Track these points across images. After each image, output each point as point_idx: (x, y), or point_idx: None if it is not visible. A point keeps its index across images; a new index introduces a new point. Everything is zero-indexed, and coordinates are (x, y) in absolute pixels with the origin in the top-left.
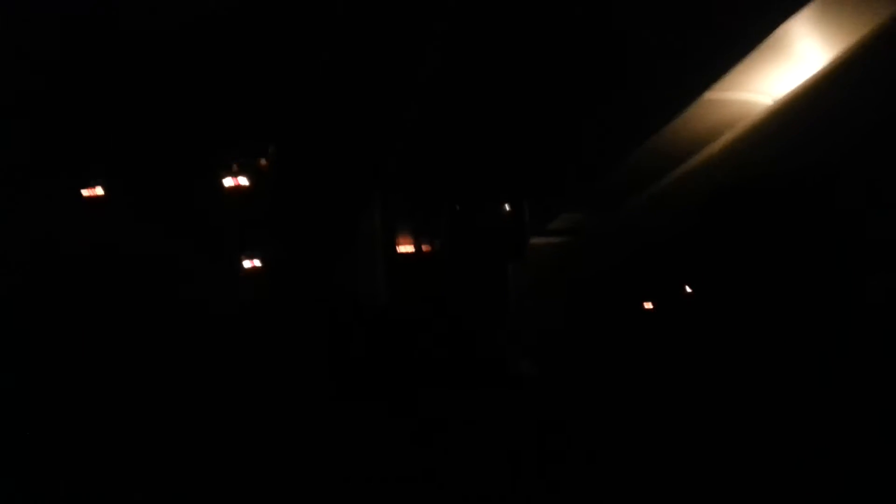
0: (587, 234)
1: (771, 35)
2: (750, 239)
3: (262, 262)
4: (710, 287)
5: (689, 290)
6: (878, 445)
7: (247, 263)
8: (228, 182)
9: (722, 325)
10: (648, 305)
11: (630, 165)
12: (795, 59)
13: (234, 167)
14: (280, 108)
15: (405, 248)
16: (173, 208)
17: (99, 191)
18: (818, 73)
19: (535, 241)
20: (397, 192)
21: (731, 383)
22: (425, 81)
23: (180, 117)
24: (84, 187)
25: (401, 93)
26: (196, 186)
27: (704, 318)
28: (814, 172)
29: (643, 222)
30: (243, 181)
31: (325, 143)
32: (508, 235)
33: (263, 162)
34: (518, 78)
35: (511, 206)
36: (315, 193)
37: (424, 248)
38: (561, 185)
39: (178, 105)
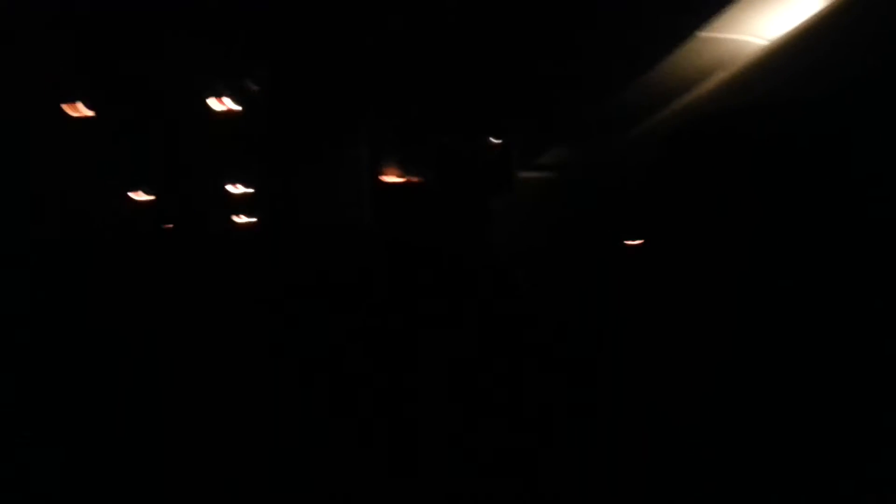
0: (575, 170)
1: None
2: (735, 180)
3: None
4: (690, 227)
5: (669, 229)
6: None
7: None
8: (215, 105)
9: (700, 265)
10: (631, 243)
11: (620, 102)
12: (788, 3)
13: (222, 90)
14: (270, 25)
15: (392, 178)
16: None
17: (82, 108)
18: (813, 16)
19: (524, 175)
20: (385, 122)
21: (709, 325)
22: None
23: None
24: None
25: (393, 21)
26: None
27: (682, 258)
28: (803, 115)
29: (631, 159)
30: (231, 105)
31: (315, 67)
32: (495, 169)
33: (254, 87)
34: (513, 9)
35: (498, 140)
36: (304, 121)
37: (411, 179)
38: (550, 119)
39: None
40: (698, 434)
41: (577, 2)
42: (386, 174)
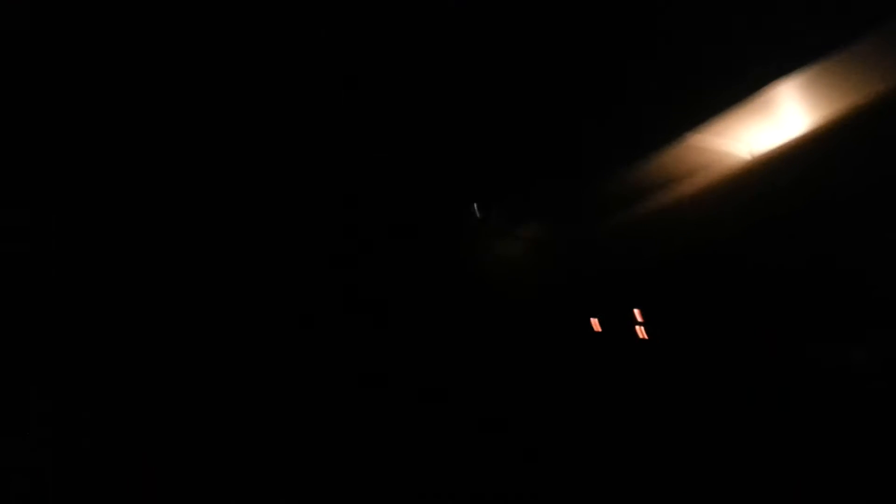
0: (550, 246)
1: (757, 93)
2: (707, 281)
3: None
4: (661, 320)
5: (640, 318)
6: None
7: None
8: None
9: (669, 359)
10: (598, 327)
11: (604, 188)
12: (778, 119)
13: None
14: None
15: None
16: None
17: None
18: (798, 136)
19: (498, 243)
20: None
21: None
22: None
23: None
24: None
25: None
26: None
27: (653, 349)
28: (779, 230)
29: (606, 245)
30: None
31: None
32: (472, 235)
33: None
34: (512, 84)
35: (479, 207)
36: None
37: None
38: (531, 192)
39: None
40: None
41: (578, 88)
42: None
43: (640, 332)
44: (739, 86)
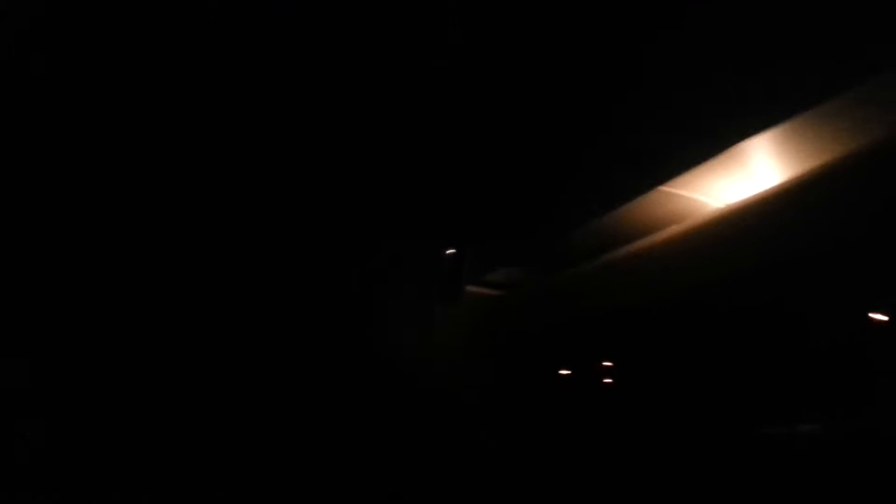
0: (522, 293)
1: (729, 148)
2: (676, 329)
3: None
4: (628, 368)
5: (607, 366)
6: None
7: None
8: None
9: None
10: (565, 372)
11: (576, 236)
12: (749, 172)
13: None
14: None
15: None
16: None
17: None
18: (769, 189)
19: (470, 289)
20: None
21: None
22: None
23: None
24: None
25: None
26: None
27: (619, 397)
28: (749, 280)
29: (577, 293)
30: None
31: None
32: (444, 279)
33: None
34: (484, 136)
35: (452, 250)
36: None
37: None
38: (504, 238)
39: None
40: None
41: (552, 140)
42: None
43: (607, 379)
44: (712, 140)
